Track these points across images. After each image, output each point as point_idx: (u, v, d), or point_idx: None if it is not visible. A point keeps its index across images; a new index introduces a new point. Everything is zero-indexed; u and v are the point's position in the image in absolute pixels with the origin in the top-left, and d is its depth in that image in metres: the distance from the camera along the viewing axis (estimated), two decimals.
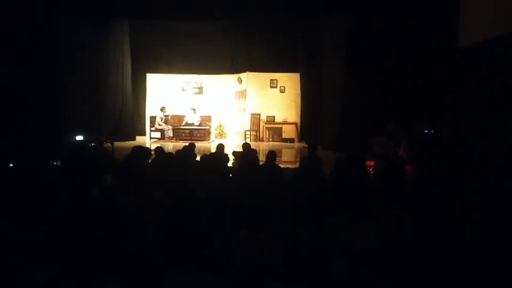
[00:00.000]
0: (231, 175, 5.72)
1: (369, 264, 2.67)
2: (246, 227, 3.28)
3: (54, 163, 6.41)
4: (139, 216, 2.86)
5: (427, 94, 8.72)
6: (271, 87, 13.97)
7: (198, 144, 9.21)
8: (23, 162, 5.62)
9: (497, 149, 5.40)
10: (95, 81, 12.37)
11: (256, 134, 13.75)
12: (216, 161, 5.50)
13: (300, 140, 13.55)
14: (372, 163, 6.69)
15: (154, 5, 10.34)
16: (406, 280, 2.67)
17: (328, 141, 10.80)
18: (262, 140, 13.78)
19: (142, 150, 5.58)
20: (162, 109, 13.62)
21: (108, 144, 8.26)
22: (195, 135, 13.23)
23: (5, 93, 9.23)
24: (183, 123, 13.74)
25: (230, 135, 14.47)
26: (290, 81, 13.75)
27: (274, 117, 13.97)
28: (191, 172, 5.13)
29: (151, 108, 14.09)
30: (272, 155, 5.93)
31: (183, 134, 13.34)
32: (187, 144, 7.42)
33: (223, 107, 14.42)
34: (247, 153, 6.60)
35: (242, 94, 14.16)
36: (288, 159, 10.63)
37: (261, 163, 6.17)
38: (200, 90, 14.66)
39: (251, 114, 13.85)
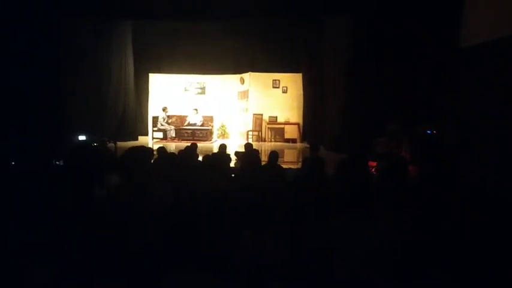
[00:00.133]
0: (233, 175, 5.72)
1: (371, 265, 2.67)
2: (247, 227, 3.28)
3: (57, 163, 6.43)
4: (141, 216, 2.87)
5: (429, 95, 8.71)
6: (273, 87, 13.99)
7: (200, 144, 9.22)
8: (26, 162, 5.63)
9: (498, 150, 5.39)
10: (98, 81, 12.42)
11: (259, 134, 13.77)
12: (218, 161, 5.50)
13: (302, 140, 13.57)
14: (375, 164, 6.67)
15: (157, 5, 10.35)
16: (406, 280, 2.67)
17: (330, 141, 10.80)
18: (265, 140, 13.80)
19: (145, 150, 5.59)
20: (164, 109, 13.65)
21: (111, 144, 8.29)
22: (197, 135, 13.26)
23: (8, 93, 9.26)
24: (186, 124, 13.78)
25: (232, 136, 14.49)
26: (292, 82, 13.77)
27: (276, 117, 13.99)
28: (193, 172, 5.13)
29: (154, 108, 14.12)
30: (274, 155, 5.93)
31: (186, 134, 13.37)
32: (189, 144, 7.43)
33: (225, 107, 14.44)
34: (249, 154, 6.60)
35: (244, 94, 14.17)
36: (290, 159, 10.64)
37: (263, 163, 6.16)
38: (202, 91, 14.69)
39: (253, 114, 13.86)
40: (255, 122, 13.88)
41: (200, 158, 6.79)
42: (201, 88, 14.69)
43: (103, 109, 12.63)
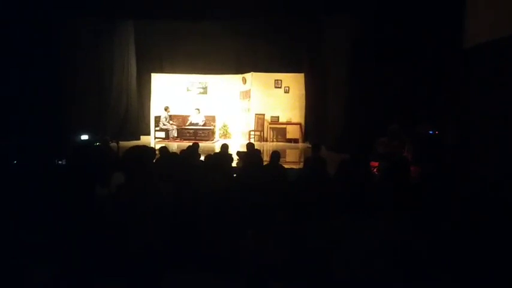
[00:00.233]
0: (235, 175, 5.73)
1: (371, 265, 2.68)
2: (249, 227, 3.29)
3: (59, 162, 6.46)
4: (142, 215, 2.88)
5: (429, 95, 8.71)
6: (275, 87, 13.99)
7: (202, 144, 9.23)
8: (28, 161, 5.65)
9: (498, 150, 5.39)
10: (100, 81, 12.46)
11: (261, 134, 13.77)
12: (220, 161, 5.50)
13: (304, 140, 13.57)
14: (376, 164, 6.67)
15: (158, 5, 10.37)
16: (406, 280, 2.67)
17: (332, 141, 10.80)
18: (267, 140, 13.80)
19: (147, 149, 5.60)
20: (166, 109, 13.67)
21: (114, 144, 8.31)
22: (199, 135, 13.28)
23: (9, 93, 9.28)
24: (188, 123, 13.79)
25: (234, 135, 14.50)
26: (294, 82, 13.76)
27: (278, 117, 13.99)
28: (195, 172, 5.15)
29: (156, 108, 14.14)
30: (276, 155, 5.94)
31: (188, 134, 13.39)
32: (191, 144, 7.44)
33: (227, 107, 14.45)
34: (251, 153, 6.61)
35: (246, 94, 14.18)
36: (292, 159, 10.65)
37: (265, 163, 6.17)
38: (205, 90, 14.70)
39: (255, 114, 13.87)
40: (257, 122, 13.89)
41: (202, 158, 6.79)
42: (203, 88, 14.70)
43: (105, 109, 12.66)
